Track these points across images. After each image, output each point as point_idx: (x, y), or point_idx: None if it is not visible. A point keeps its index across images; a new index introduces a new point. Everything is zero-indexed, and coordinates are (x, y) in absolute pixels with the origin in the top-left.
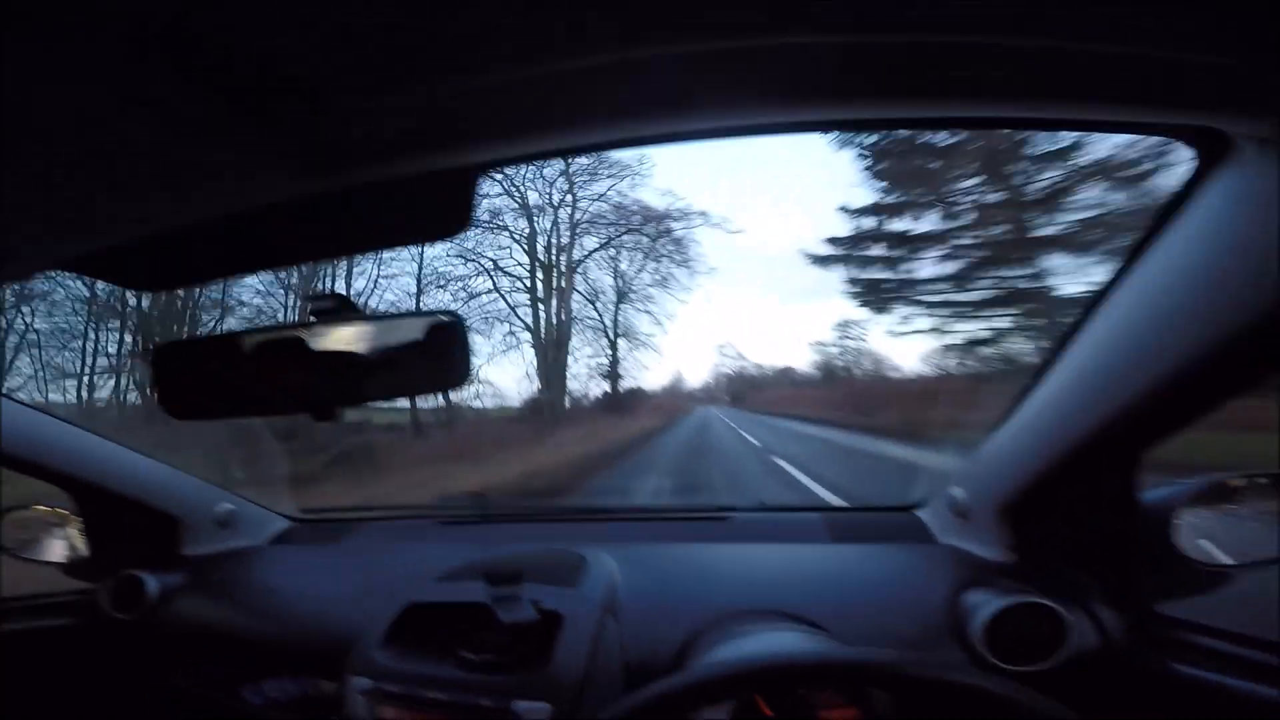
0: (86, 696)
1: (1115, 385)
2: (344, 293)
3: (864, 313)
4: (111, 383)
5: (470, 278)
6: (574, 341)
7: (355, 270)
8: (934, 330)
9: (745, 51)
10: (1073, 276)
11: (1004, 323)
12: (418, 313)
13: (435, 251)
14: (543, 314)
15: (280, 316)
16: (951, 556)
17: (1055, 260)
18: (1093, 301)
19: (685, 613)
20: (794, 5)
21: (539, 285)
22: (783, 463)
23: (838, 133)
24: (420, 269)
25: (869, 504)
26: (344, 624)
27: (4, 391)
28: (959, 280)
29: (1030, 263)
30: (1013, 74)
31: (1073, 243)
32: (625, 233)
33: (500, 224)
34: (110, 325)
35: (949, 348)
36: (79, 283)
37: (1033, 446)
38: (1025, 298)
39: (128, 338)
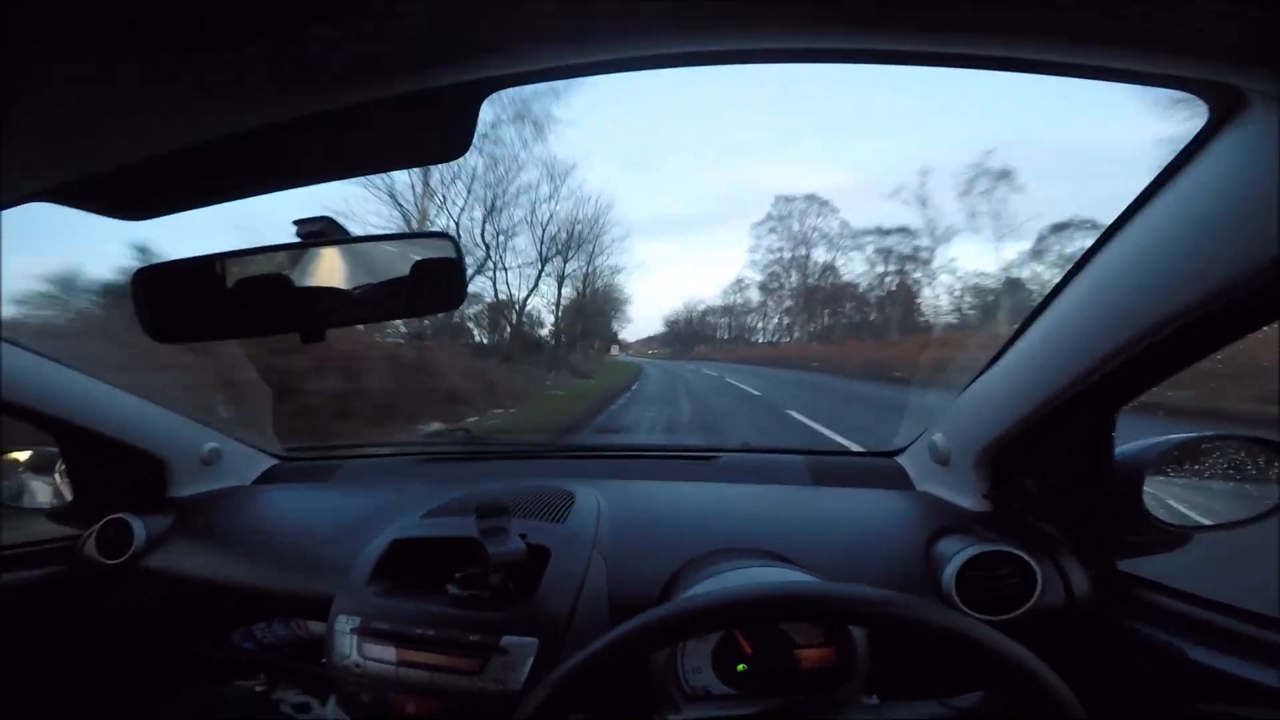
0: (75, 645)
1: (1098, 339)
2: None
3: None
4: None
5: None
6: None
7: None
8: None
9: None
10: None
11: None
12: (411, 233)
13: None
14: None
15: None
16: (928, 503)
17: None
18: (1086, 255)
19: (671, 549)
20: None
21: None
22: None
23: (847, 63)
24: None
25: (852, 449)
26: (331, 562)
27: None
28: None
29: None
30: (1031, 10)
31: None
32: None
33: None
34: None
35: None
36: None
37: (1013, 397)
38: None
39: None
